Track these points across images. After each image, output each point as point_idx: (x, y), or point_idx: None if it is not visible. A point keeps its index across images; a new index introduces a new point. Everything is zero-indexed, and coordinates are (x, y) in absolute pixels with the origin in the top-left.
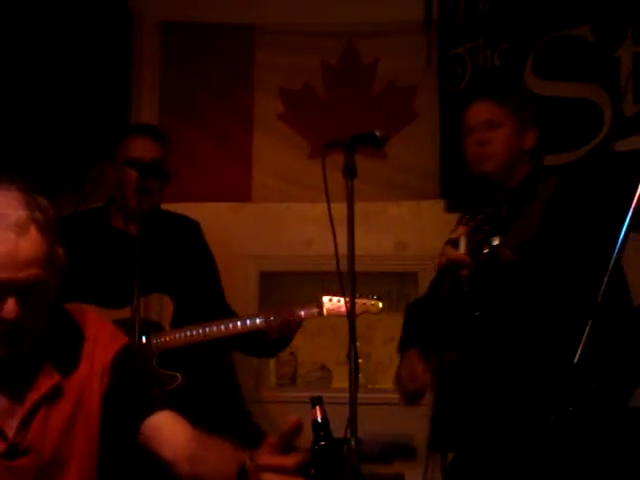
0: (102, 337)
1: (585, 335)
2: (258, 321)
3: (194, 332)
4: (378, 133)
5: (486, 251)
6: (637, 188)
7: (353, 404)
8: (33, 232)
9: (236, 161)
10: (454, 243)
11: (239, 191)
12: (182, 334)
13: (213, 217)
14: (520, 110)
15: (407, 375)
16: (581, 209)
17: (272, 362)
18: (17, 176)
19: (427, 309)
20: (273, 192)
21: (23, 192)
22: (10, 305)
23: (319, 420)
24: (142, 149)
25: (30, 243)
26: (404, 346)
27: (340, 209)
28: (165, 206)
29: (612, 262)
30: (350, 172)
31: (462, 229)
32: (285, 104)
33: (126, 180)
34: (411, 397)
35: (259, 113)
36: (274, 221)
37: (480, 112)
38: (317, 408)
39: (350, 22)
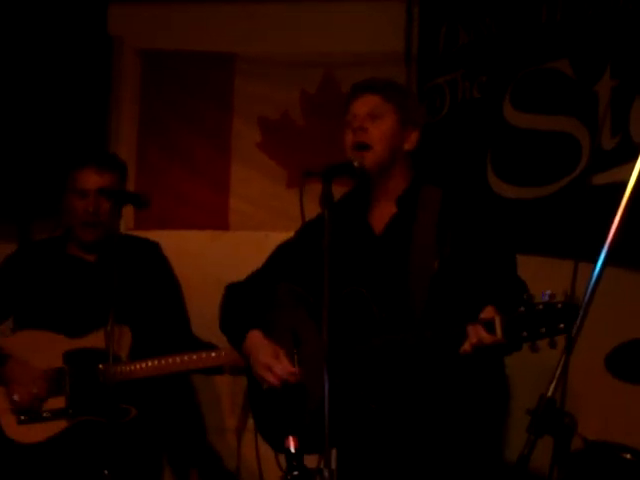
0: None
1: (560, 368)
2: (213, 354)
3: (149, 365)
4: (355, 163)
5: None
6: (613, 222)
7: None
8: None
9: (214, 189)
10: (488, 325)
11: (216, 219)
12: (137, 366)
13: (190, 245)
14: (405, 108)
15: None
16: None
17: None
18: None
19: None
20: (250, 220)
21: None
22: None
23: (292, 450)
24: (85, 180)
25: None
26: (241, 328)
27: None
28: (139, 232)
29: (587, 296)
30: (327, 202)
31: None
32: (263, 133)
33: (72, 211)
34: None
35: (237, 141)
36: (251, 249)
37: (364, 104)
38: (290, 438)
39: (330, 52)
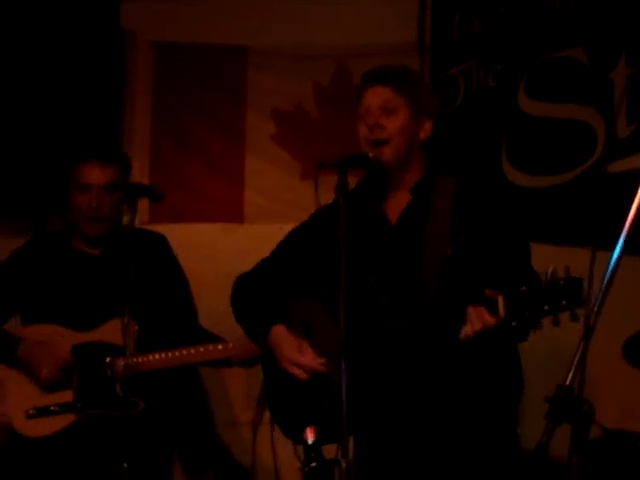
0: None
1: (578, 357)
2: (220, 346)
3: (157, 357)
4: (371, 155)
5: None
6: (630, 210)
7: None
8: None
9: (228, 181)
10: (490, 304)
11: (231, 212)
12: (145, 359)
13: (204, 238)
14: (417, 99)
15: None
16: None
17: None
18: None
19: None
20: (265, 213)
21: None
22: None
23: (310, 442)
24: (87, 175)
25: None
26: (263, 322)
27: None
28: (153, 226)
29: (605, 285)
30: (342, 191)
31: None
32: (277, 125)
33: (75, 205)
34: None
35: (251, 134)
36: (265, 242)
37: (375, 96)
38: (308, 430)
39: (342, 44)
